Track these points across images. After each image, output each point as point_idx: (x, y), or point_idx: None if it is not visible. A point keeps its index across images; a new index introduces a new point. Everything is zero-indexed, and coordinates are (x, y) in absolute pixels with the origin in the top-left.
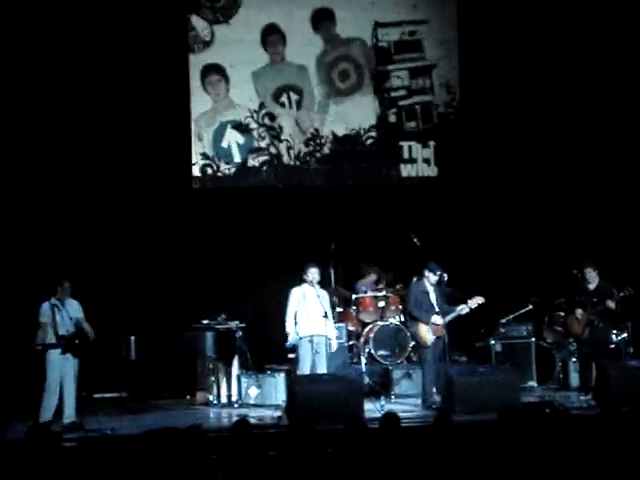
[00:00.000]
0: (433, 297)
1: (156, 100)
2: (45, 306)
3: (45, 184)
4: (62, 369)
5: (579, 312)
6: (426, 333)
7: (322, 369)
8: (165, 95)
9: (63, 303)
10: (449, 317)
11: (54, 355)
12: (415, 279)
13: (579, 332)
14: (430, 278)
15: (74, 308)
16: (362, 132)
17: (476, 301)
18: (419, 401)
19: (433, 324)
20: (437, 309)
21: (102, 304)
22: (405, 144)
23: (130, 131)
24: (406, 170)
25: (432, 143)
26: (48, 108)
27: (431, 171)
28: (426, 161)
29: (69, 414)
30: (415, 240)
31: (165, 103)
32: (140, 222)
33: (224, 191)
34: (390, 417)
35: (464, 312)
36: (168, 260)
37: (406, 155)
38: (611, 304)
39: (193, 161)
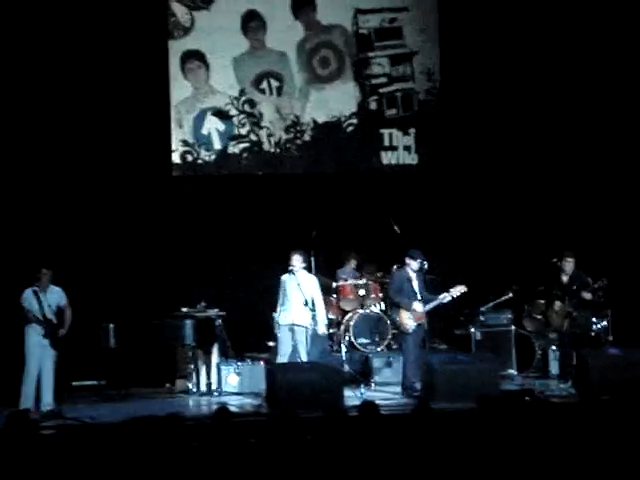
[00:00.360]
0: (415, 284)
1: (135, 87)
2: (27, 292)
3: (25, 172)
4: (41, 356)
5: (557, 305)
6: (407, 320)
7: (303, 358)
8: (144, 82)
9: (45, 291)
10: (431, 305)
11: (33, 339)
12: (396, 266)
13: (559, 324)
14: (412, 265)
15: (56, 296)
16: (343, 119)
17: (459, 290)
18: (399, 389)
19: (414, 311)
20: (419, 296)
21: (81, 291)
22: (386, 131)
23: (109, 118)
24: (387, 157)
25: (412, 130)
26: (27, 95)
27: (411, 159)
28: (407, 148)
29: (47, 402)
30: (395, 227)
31: (144, 90)
32: (120, 209)
33: (204, 178)
34: (369, 405)
35: (446, 300)
36: (148, 248)
37: (387, 142)
38: (587, 295)
39: (173, 148)
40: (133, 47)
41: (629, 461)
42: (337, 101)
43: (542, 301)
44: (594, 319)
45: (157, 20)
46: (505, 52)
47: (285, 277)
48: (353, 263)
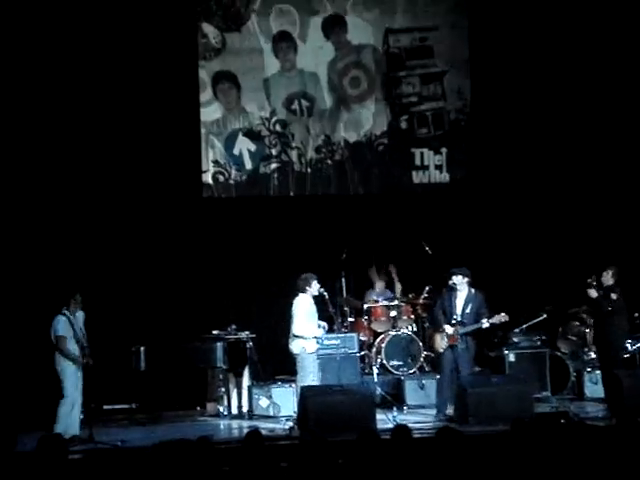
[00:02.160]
0: (458, 304)
1: (167, 108)
2: (62, 319)
3: (57, 196)
4: (76, 381)
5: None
6: (438, 340)
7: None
8: (176, 103)
9: (74, 315)
10: (468, 329)
11: (72, 366)
12: (443, 285)
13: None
14: (460, 284)
15: (81, 320)
16: (373, 138)
17: (499, 318)
18: (432, 411)
19: (445, 332)
20: (458, 318)
21: (112, 314)
22: (417, 151)
23: (141, 139)
24: (418, 177)
25: (444, 150)
26: (60, 118)
27: (443, 177)
28: (438, 167)
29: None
30: (427, 248)
31: (176, 111)
32: (150, 231)
33: (235, 199)
34: (401, 429)
35: (484, 326)
36: (179, 270)
37: (418, 162)
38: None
39: (204, 168)
40: (164, 69)
41: None
42: (368, 121)
43: (577, 322)
44: (629, 340)
45: (188, 42)
46: (535, 70)
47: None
48: (383, 284)
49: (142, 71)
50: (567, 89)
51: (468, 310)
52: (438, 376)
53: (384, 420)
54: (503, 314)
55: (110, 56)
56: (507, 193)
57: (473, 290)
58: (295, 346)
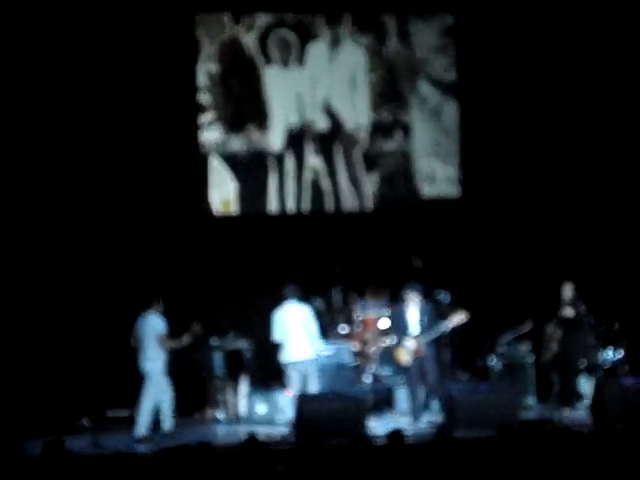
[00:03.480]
0: (412, 318)
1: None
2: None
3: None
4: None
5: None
6: (403, 356)
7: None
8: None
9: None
10: (429, 337)
11: (160, 365)
12: (398, 301)
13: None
14: (410, 298)
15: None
16: None
17: (458, 318)
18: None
19: (406, 347)
20: (414, 331)
21: (115, 319)
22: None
23: (148, 153)
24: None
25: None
26: (59, 119)
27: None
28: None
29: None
30: (417, 262)
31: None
32: (151, 241)
33: (232, 218)
34: (396, 434)
35: (444, 330)
36: (176, 278)
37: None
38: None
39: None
40: (163, 73)
41: None
42: None
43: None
44: (612, 350)
45: (191, 44)
46: (539, 80)
47: (278, 313)
48: (373, 295)
49: (146, 79)
50: (572, 98)
51: (425, 319)
52: (408, 386)
53: (376, 426)
54: (462, 314)
55: (119, 70)
56: (496, 205)
57: (423, 301)
58: (285, 355)
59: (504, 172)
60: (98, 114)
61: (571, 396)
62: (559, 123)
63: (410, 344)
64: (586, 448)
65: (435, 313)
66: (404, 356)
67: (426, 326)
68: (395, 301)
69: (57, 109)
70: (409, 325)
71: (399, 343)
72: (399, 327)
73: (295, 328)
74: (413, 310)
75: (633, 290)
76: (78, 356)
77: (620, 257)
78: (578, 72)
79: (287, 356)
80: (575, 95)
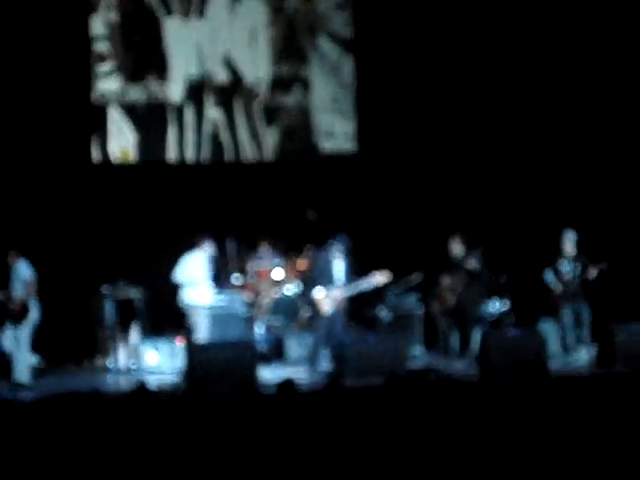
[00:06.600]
0: (337, 268)
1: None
2: None
3: None
4: None
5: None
6: (325, 304)
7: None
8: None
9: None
10: (352, 292)
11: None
12: (321, 248)
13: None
14: (335, 248)
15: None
16: None
17: (380, 278)
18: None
19: (331, 297)
20: (340, 281)
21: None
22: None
23: (40, 101)
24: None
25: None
26: None
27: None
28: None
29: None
30: (311, 216)
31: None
32: (44, 188)
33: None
34: (286, 383)
35: (366, 287)
36: (68, 226)
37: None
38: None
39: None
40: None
41: (525, 437)
42: None
43: (447, 283)
44: (497, 302)
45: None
46: (434, 33)
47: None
48: (267, 246)
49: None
50: (478, 53)
51: (347, 274)
52: (314, 334)
53: (266, 375)
54: (384, 274)
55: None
56: (391, 158)
57: (346, 256)
58: (187, 296)
59: (400, 127)
60: None
61: (466, 346)
62: (452, 78)
63: (334, 294)
64: (471, 397)
65: (351, 267)
66: (325, 305)
67: (350, 280)
68: (318, 249)
69: None
70: (334, 275)
71: (323, 291)
72: (324, 275)
73: (203, 274)
74: (338, 262)
75: (518, 242)
76: None
77: (507, 209)
78: (465, 17)
79: (194, 299)
80: (465, 41)
